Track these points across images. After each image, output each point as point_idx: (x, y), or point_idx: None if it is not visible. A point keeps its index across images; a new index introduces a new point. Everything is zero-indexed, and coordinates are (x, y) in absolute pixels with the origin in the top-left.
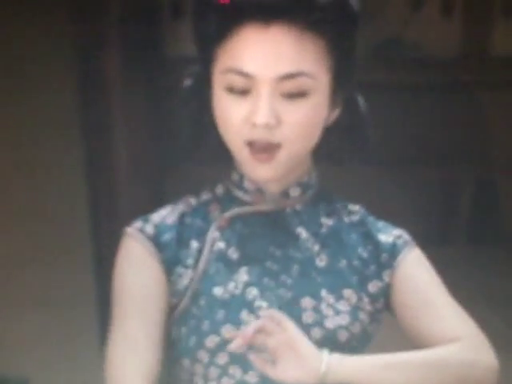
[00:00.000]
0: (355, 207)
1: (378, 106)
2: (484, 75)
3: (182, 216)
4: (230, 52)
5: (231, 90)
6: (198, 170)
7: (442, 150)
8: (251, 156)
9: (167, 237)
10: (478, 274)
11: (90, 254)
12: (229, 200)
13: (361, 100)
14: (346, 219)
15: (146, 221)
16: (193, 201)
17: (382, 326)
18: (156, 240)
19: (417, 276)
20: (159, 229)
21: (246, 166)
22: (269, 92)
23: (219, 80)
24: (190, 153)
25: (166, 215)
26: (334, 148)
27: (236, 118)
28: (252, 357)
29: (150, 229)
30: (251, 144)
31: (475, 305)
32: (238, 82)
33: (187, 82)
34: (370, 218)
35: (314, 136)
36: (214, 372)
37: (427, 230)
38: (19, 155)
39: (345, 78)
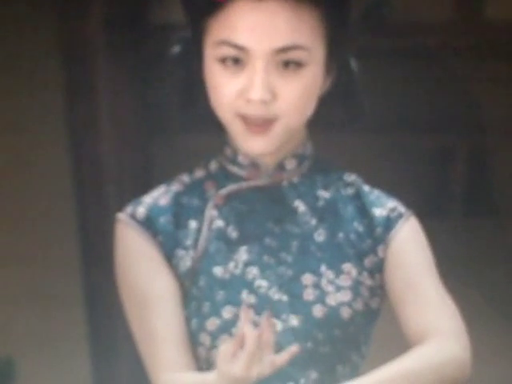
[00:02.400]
0: (351, 177)
1: (368, 72)
2: (479, 40)
3: (177, 196)
4: (223, 23)
5: (224, 62)
6: (186, 138)
7: (436, 117)
8: (245, 128)
9: (163, 220)
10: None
11: (75, 227)
12: (224, 176)
13: (355, 66)
14: (343, 191)
15: (137, 204)
16: (186, 179)
17: (385, 304)
18: (150, 224)
19: (407, 254)
20: (153, 212)
21: (240, 138)
22: (264, 66)
23: (212, 52)
24: (178, 122)
25: (158, 196)
26: (328, 116)
27: (230, 92)
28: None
29: (142, 213)
30: (245, 117)
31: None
32: (232, 54)
33: (175, 49)
34: (365, 189)
35: (309, 108)
36: (216, 355)
37: (423, 200)
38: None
39: (339, 47)
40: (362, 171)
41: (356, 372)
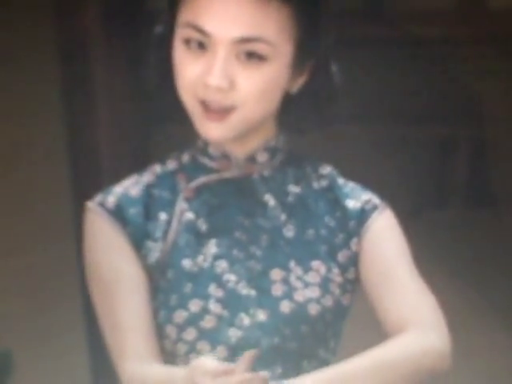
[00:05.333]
0: (325, 170)
1: (371, 62)
2: (482, 30)
3: (148, 187)
4: (190, 6)
5: (189, 44)
6: (186, 129)
7: (437, 108)
8: (203, 114)
9: (133, 211)
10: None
11: (71, 218)
12: (195, 168)
13: (332, 65)
14: (316, 184)
15: (107, 194)
16: (158, 170)
17: (356, 298)
18: (119, 214)
19: (382, 246)
20: (122, 202)
21: (198, 123)
22: (224, 53)
23: (179, 34)
24: (178, 112)
25: (129, 186)
26: (300, 114)
27: (190, 75)
28: None
29: (111, 202)
30: (204, 103)
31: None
32: (195, 38)
33: (158, 29)
34: (340, 181)
35: (270, 101)
36: (181, 348)
37: (424, 192)
38: None
39: (311, 47)
40: (362, 163)
41: (325, 368)
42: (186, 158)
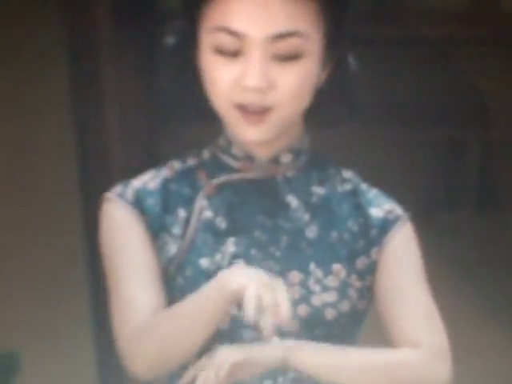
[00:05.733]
0: (348, 174)
1: (380, 62)
2: (493, 30)
3: (166, 182)
4: (218, 9)
5: (220, 50)
6: (193, 128)
7: (449, 108)
8: (241, 117)
9: (150, 202)
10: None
11: (79, 216)
12: (216, 166)
13: (351, 59)
14: (339, 187)
15: (126, 186)
16: (177, 166)
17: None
18: (137, 205)
19: (400, 262)
20: (140, 194)
21: (236, 128)
22: (260, 53)
23: (207, 39)
24: (185, 112)
25: (147, 180)
26: (325, 109)
27: (225, 80)
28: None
29: (130, 194)
30: (241, 106)
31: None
32: (228, 41)
33: (170, 40)
34: (363, 187)
35: (305, 99)
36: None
37: (435, 193)
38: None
39: (336, 39)
40: (373, 164)
41: None
42: (206, 155)
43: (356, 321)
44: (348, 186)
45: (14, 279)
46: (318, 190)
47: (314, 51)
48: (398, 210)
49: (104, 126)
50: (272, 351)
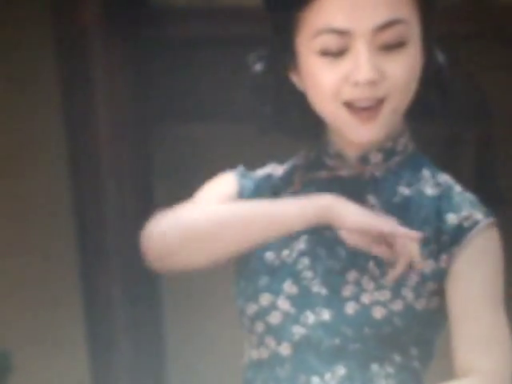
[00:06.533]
0: (443, 178)
1: None
2: (490, 25)
3: (270, 176)
4: (318, 12)
5: (325, 52)
6: (186, 128)
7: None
8: (352, 117)
9: (246, 184)
10: None
11: (71, 216)
12: (313, 164)
13: (439, 53)
14: (429, 191)
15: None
16: (290, 163)
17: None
18: (240, 178)
19: (471, 276)
20: (246, 173)
21: (346, 129)
22: (367, 46)
23: (309, 44)
24: (177, 111)
25: (266, 168)
26: (421, 103)
27: (333, 80)
28: None
29: (241, 169)
30: (350, 105)
31: None
32: (333, 41)
33: (257, 67)
34: (453, 192)
35: (413, 88)
36: (254, 339)
37: None
38: None
39: (429, 25)
40: None
41: (407, 374)
42: (312, 153)
43: (414, 321)
44: (438, 191)
45: (7, 280)
46: (404, 191)
47: (415, 39)
48: (479, 215)
49: (94, 126)
50: None
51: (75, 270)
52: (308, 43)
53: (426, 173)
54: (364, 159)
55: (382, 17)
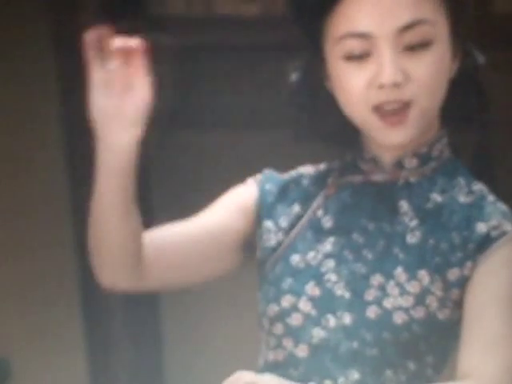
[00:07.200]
0: (477, 186)
1: None
2: (486, 29)
3: (300, 176)
4: (342, 16)
5: (349, 57)
6: (186, 133)
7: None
8: (381, 121)
9: (269, 186)
10: None
11: (68, 219)
12: (348, 168)
13: (478, 54)
14: (462, 198)
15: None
16: (323, 166)
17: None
18: (259, 184)
19: (490, 285)
20: (266, 177)
21: (376, 133)
22: (391, 48)
23: (334, 50)
24: (177, 116)
25: (292, 171)
26: (458, 105)
27: (359, 84)
28: None
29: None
30: (379, 108)
31: None
32: (356, 45)
33: (294, 76)
34: (486, 201)
35: (441, 90)
36: (272, 341)
37: None
38: None
39: (459, 25)
40: None
41: (418, 383)
42: (348, 157)
43: (434, 330)
44: (470, 199)
45: (3, 285)
46: (436, 197)
47: (442, 38)
48: (508, 227)
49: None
50: None
51: (74, 276)
52: (333, 49)
53: (460, 180)
54: (399, 164)
55: (404, 18)
